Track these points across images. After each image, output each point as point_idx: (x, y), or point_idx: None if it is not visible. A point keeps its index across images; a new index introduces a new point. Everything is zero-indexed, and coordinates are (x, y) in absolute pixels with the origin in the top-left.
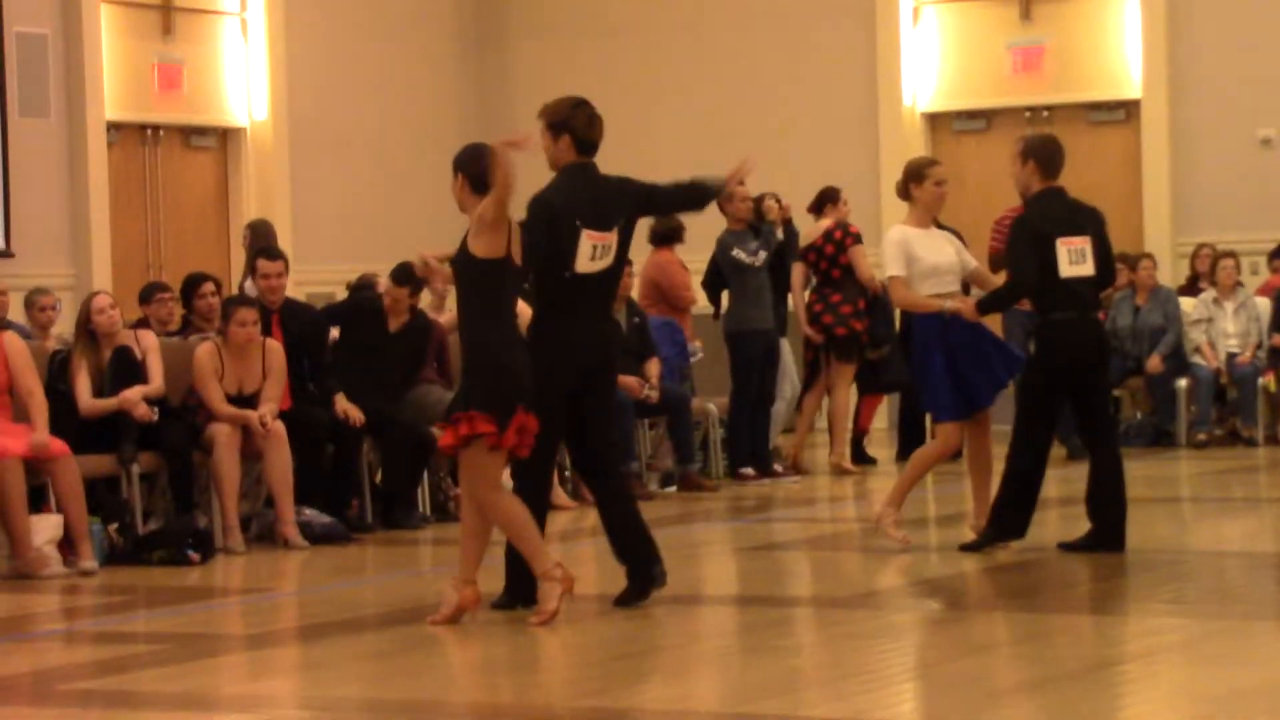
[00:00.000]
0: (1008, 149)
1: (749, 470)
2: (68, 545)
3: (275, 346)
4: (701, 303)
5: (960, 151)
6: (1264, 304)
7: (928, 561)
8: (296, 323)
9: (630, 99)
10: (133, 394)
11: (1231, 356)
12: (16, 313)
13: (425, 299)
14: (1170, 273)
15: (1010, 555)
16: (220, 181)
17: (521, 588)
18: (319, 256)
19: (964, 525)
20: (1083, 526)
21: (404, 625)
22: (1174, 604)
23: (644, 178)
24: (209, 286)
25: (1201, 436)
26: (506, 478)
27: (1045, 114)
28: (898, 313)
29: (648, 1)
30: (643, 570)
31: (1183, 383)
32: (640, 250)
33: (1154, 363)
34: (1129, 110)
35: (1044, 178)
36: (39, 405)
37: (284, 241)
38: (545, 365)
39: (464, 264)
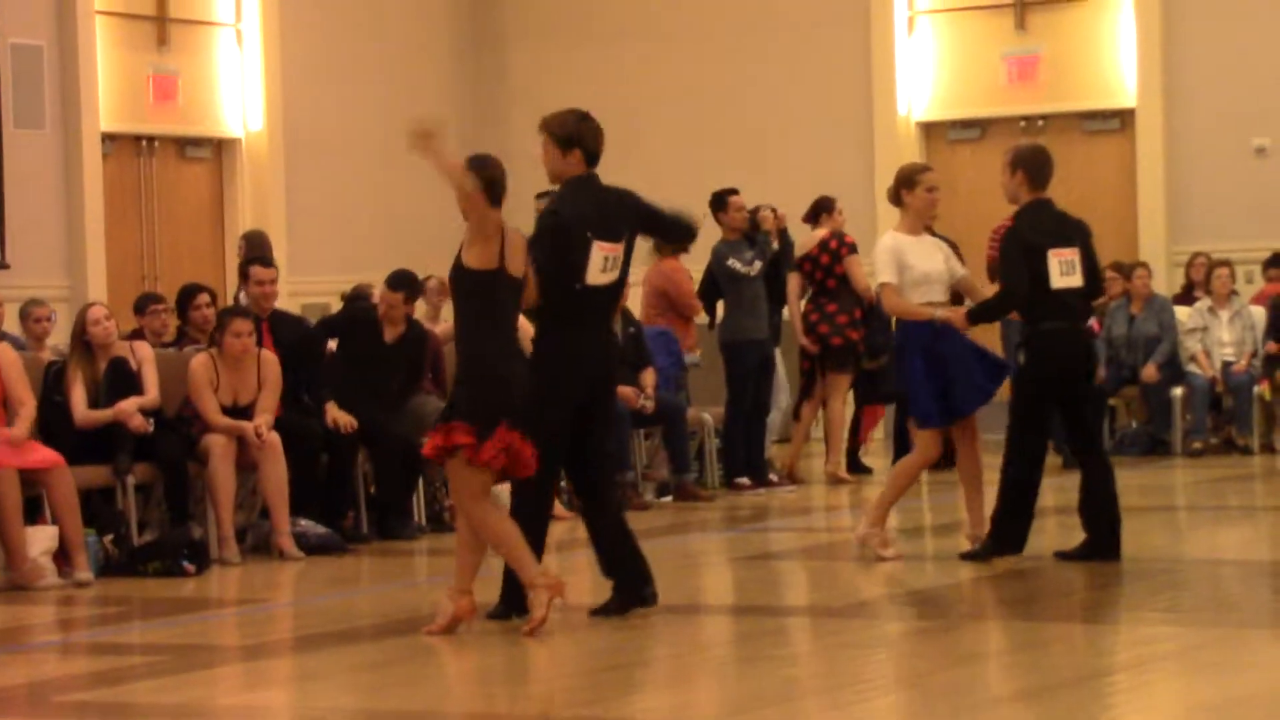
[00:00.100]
0: (1002, 158)
1: (744, 480)
2: (63, 556)
3: (270, 358)
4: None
5: (955, 160)
6: (1259, 312)
7: (923, 571)
8: (288, 332)
9: (626, 106)
10: (128, 405)
11: (1227, 365)
12: (11, 324)
13: (420, 309)
14: (1165, 281)
15: (1006, 564)
16: (215, 192)
17: (517, 598)
18: (314, 267)
19: (959, 534)
20: (1079, 535)
21: (400, 636)
22: (1169, 612)
23: (639, 183)
24: (204, 298)
25: (1197, 445)
26: (503, 489)
27: (1040, 123)
28: (894, 321)
29: (644, 7)
30: (632, 588)
31: (1178, 391)
32: (641, 258)
33: (1149, 371)
34: (1124, 119)
35: (1033, 188)
36: (27, 415)
37: (279, 252)
38: (552, 378)
39: (458, 275)
